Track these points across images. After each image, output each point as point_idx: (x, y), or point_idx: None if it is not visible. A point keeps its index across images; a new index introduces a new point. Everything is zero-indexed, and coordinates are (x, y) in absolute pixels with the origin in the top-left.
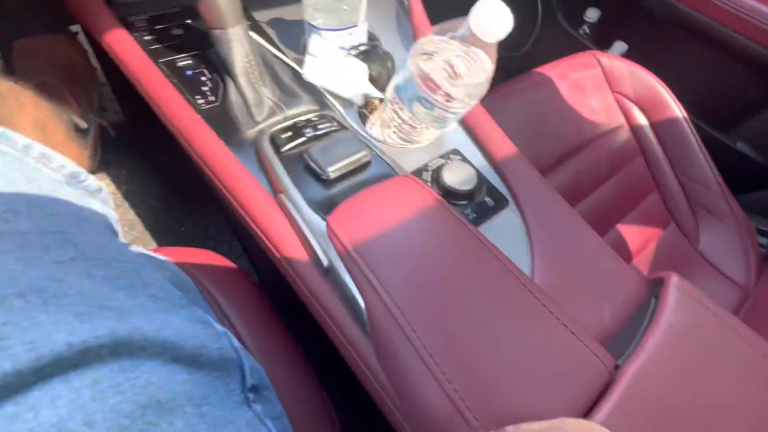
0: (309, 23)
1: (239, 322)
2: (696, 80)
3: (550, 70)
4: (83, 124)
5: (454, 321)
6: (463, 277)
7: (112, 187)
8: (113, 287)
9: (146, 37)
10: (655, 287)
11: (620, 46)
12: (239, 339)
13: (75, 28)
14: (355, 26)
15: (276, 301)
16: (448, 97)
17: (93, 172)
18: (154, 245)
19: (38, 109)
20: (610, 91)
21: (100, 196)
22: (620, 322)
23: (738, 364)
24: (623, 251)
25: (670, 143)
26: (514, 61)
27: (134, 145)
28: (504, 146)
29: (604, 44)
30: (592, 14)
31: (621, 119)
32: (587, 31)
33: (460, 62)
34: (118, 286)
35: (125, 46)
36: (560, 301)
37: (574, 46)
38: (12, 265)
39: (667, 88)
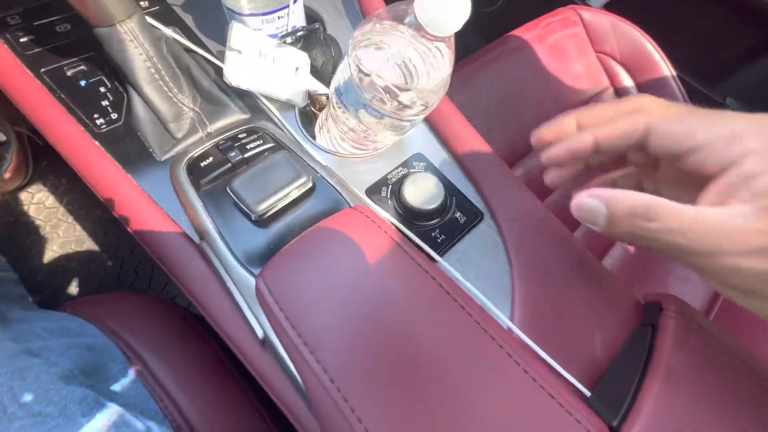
0: (227, 8)
1: (171, 379)
2: (683, 30)
3: (527, 33)
4: (0, 137)
5: (418, 410)
6: (426, 347)
7: (52, 199)
8: None
9: (22, 39)
10: (651, 313)
11: None
12: (172, 402)
13: None
14: (287, 6)
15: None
16: (400, 104)
17: (26, 185)
18: (108, 262)
19: None
20: (593, 51)
21: None
22: (612, 354)
23: (744, 408)
24: (600, 243)
25: None
26: (490, 16)
27: None
28: (475, 146)
29: None
30: None
31: (605, 82)
32: None
33: (414, 55)
34: None
35: None
36: (545, 332)
37: None
38: None
39: (653, 42)
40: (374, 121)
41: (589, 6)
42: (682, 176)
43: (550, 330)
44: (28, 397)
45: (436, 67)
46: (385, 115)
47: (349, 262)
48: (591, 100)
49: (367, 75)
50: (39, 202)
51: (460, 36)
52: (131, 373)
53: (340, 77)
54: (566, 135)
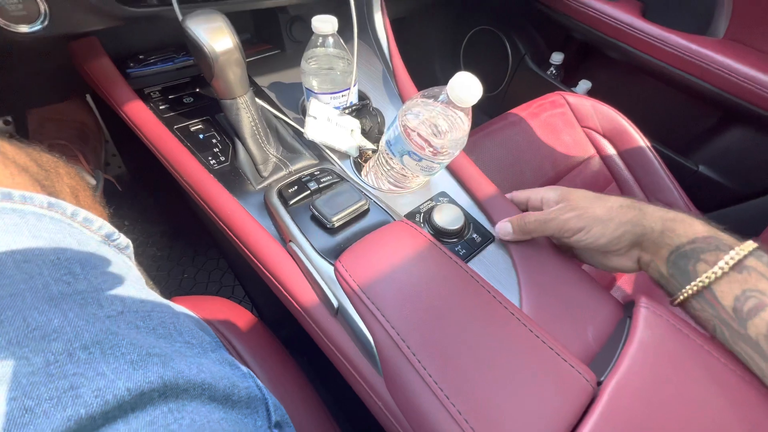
0: (307, 89)
1: (254, 363)
2: (655, 111)
3: (523, 111)
4: (93, 181)
5: (453, 350)
6: (459, 310)
7: None
8: (155, 336)
9: (161, 107)
10: (629, 308)
11: (585, 84)
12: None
13: None
14: (348, 89)
15: (281, 341)
16: (434, 150)
17: None
18: (157, 291)
19: (71, 178)
20: (579, 126)
21: (127, 252)
22: (601, 342)
23: (701, 372)
24: (606, 275)
25: (638, 170)
26: (491, 99)
27: (135, 196)
28: (486, 187)
29: (570, 83)
30: (556, 57)
31: (591, 150)
32: (554, 72)
33: (442, 121)
34: (159, 335)
35: (143, 117)
36: (548, 326)
37: (543, 86)
38: (76, 321)
39: (629, 120)
40: (414, 164)
41: (573, 92)
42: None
43: (550, 326)
44: (180, 330)
45: (458, 127)
46: (422, 158)
47: (401, 252)
48: (581, 165)
49: (412, 132)
50: None
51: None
52: (224, 349)
53: (390, 134)
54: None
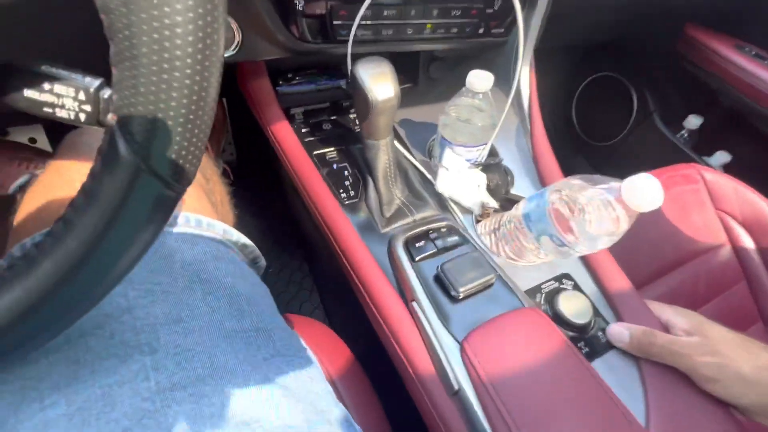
0: (443, 138)
1: (348, 399)
2: None
3: None
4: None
5: None
6: (588, 424)
7: None
8: (297, 382)
9: (303, 130)
10: None
11: (722, 156)
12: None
13: None
14: (485, 144)
15: None
16: (581, 240)
17: None
18: None
19: (219, 185)
20: (713, 207)
21: (261, 273)
22: None
23: None
24: None
25: None
26: (600, 150)
27: (240, 184)
28: (618, 280)
29: (703, 151)
30: (694, 121)
31: (723, 238)
32: (685, 136)
33: (599, 213)
34: (299, 381)
35: (288, 140)
36: None
37: (669, 149)
38: (244, 364)
39: None
40: (552, 246)
41: (709, 165)
42: None
43: None
44: (312, 376)
45: (616, 225)
46: (564, 244)
47: (534, 348)
48: (707, 253)
49: (561, 215)
50: None
51: (564, 160)
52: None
53: (531, 208)
54: None
